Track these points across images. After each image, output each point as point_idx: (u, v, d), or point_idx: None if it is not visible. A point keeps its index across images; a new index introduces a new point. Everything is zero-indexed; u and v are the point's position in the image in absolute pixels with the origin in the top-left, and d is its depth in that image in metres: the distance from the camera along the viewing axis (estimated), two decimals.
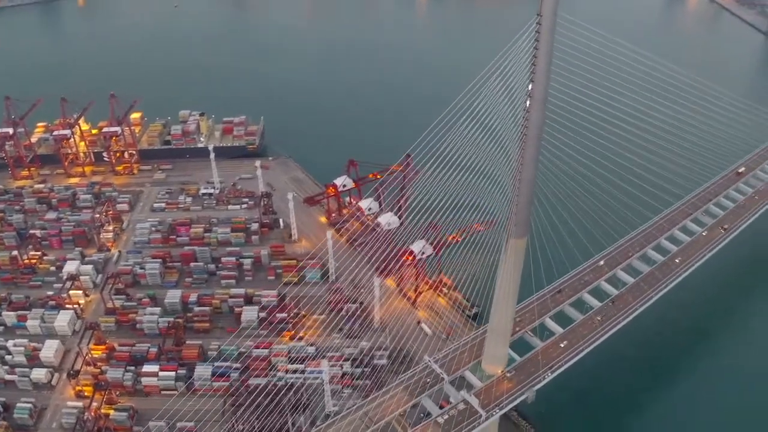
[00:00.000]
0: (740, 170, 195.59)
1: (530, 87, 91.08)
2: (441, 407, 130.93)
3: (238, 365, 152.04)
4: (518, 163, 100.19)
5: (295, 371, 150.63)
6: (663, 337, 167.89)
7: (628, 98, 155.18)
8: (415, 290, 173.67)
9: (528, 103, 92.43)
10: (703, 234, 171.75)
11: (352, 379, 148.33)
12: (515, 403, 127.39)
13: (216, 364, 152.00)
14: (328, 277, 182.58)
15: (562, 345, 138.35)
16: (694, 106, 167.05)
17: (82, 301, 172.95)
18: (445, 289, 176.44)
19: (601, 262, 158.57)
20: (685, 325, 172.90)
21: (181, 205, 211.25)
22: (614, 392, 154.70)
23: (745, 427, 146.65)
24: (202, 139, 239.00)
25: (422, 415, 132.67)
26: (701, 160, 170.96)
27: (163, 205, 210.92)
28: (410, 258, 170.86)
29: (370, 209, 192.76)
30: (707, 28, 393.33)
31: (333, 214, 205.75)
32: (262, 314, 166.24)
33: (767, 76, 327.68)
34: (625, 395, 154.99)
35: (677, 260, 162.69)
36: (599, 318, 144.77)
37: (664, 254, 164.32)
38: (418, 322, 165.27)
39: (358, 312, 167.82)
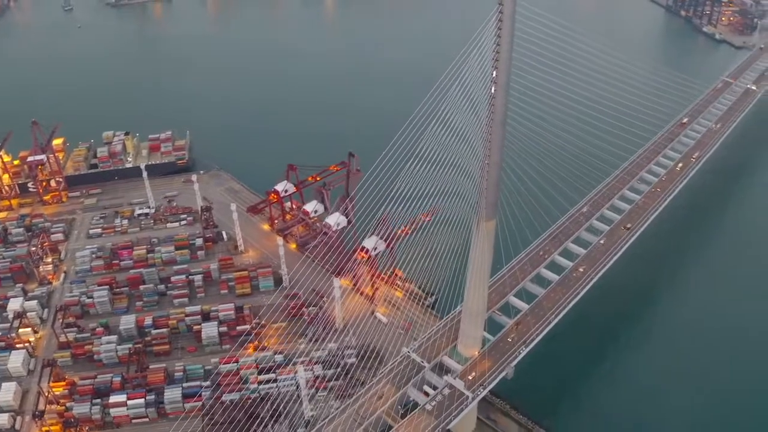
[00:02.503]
0: (684, 120, 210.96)
1: (494, 74, 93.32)
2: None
3: (208, 383, 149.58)
4: (485, 147, 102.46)
5: (267, 381, 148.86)
6: (614, 301, 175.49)
7: (568, 76, 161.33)
8: (372, 286, 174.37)
9: (493, 89, 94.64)
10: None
11: (327, 382, 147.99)
12: (497, 380, 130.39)
13: (185, 384, 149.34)
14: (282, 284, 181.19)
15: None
16: (625, 78, 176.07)
17: (32, 339, 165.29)
18: (399, 282, 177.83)
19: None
20: (632, 288, 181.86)
21: (118, 229, 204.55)
22: (577, 358, 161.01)
23: (691, 374, 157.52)
24: (129, 159, 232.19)
25: (399, 407, 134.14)
26: (637, 124, 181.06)
27: (100, 230, 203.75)
28: (364, 255, 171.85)
29: (315, 212, 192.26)
30: (612, 4, 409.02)
31: (276, 221, 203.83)
32: (223, 329, 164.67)
33: (673, 45, 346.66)
34: (586, 360, 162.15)
35: (623, 227, 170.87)
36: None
37: (609, 223, 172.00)
38: (372, 313, 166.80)
39: (319, 315, 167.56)
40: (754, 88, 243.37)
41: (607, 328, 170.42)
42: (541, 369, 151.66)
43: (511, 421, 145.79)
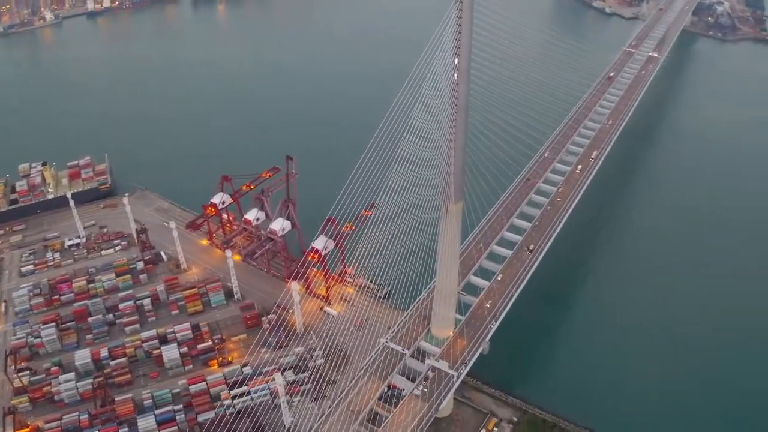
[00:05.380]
0: (611, 74, 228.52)
1: (456, 61, 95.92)
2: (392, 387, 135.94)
3: (180, 406, 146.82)
4: (451, 132, 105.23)
5: (240, 395, 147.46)
6: (561, 272, 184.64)
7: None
8: (326, 286, 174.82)
9: (456, 76, 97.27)
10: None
11: (300, 386, 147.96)
12: (476, 357, 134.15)
13: (157, 411, 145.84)
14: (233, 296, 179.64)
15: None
16: (537, 56, 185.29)
17: None
18: (350, 279, 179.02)
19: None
20: (575, 260, 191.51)
21: (51, 263, 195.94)
22: (534, 328, 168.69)
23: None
24: (50, 189, 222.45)
25: (379, 399, 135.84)
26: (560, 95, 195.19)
27: (32, 267, 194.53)
28: (316, 256, 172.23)
29: (257, 219, 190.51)
30: None
31: (214, 235, 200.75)
32: (183, 350, 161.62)
33: (568, 21, 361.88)
34: (543, 328, 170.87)
35: (559, 199, 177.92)
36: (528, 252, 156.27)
37: (547, 196, 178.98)
38: (321, 308, 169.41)
39: (279, 322, 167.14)
40: (655, 55, 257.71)
41: (558, 297, 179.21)
42: (504, 343, 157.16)
43: (485, 395, 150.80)
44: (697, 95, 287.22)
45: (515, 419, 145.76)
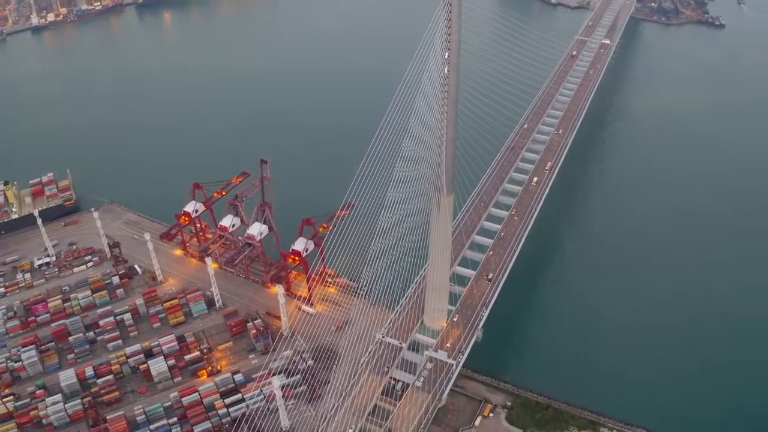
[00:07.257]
0: (573, 53, 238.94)
1: (447, 55, 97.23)
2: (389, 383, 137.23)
3: (174, 419, 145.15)
4: (441, 125, 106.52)
5: (235, 403, 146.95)
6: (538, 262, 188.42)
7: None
8: (308, 288, 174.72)
9: (446, 69, 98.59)
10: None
11: (293, 389, 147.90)
12: (471, 344, 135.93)
13: (152, 427, 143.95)
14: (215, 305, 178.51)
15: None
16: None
17: None
18: (330, 279, 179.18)
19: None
20: (547, 243, 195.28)
21: (22, 284, 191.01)
22: (515, 315, 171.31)
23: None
24: (14, 209, 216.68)
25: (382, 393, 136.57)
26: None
27: (3, 289, 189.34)
28: (297, 258, 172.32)
29: (233, 226, 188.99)
30: None
31: (188, 244, 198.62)
32: (171, 362, 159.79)
33: (517, 14, 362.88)
34: (523, 315, 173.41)
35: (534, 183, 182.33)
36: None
37: (521, 184, 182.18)
38: (299, 308, 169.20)
39: (263, 327, 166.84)
40: (607, 42, 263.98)
41: (535, 286, 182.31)
42: (490, 331, 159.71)
43: (477, 383, 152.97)
44: (644, 80, 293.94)
45: (509, 404, 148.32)
